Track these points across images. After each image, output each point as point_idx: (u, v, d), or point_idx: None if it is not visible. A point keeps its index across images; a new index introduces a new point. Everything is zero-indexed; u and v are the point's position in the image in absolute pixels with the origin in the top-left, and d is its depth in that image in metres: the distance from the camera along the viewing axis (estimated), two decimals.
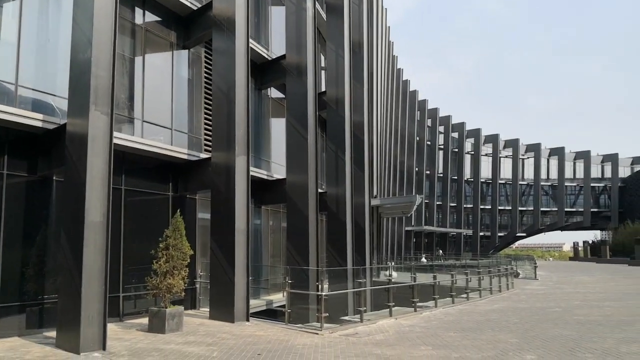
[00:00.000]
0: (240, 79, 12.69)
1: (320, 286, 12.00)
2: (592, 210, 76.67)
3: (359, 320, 12.14)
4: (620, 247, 58.94)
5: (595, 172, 77.93)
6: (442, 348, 8.80)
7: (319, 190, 16.88)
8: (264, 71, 18.04)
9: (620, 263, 48.00)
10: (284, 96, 18.08)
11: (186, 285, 10.75)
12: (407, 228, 55.80)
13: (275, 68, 17.83)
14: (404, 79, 57.53)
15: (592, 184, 77.05)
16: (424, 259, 47.76)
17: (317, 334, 10.48)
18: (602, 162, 78.53)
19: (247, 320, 11.85)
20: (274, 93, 19.31)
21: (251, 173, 13.69)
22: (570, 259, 72.83)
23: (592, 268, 41.46)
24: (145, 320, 10.60)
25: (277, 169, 18.18)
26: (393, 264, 31.35)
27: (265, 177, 16.74)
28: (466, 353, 8.34)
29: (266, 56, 17.72)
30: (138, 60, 13.17)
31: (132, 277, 11.95)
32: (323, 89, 21.11)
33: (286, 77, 16.84)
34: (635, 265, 44.23)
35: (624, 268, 40.68)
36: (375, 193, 27.44)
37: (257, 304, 15.08)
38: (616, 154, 77.68)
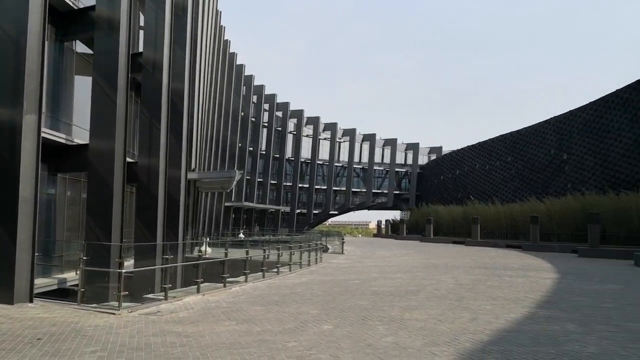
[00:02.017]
0: (34, 25, 10.90)
1: (122, 263, 11.06)
2: (395, 192, 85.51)
3: (164, 297, 11.53)
4: (415, 225, 66.53)
5: (399, 159, 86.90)
6: (245, 322, 8.75)
7: (129, 160, 15.62)
8: (68, 21, 15.93)
9: (414, 240, 54.21)
10: (92, 52, 16.21)
11: None
12: (226, 204, 55.61)
13: (82, 19, 15.87)
14: (231, 51, 56.62)
15: (396, 169, 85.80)
16: (241, 235, 48.16)
17: (113, 314, 9.65)
18: (406, 149, 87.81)
19: (31, 301, 10.42)
20: (80, 47, 17.21)
21: (45, 135, 12.01)
22: (374, 235, 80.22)
23: (391, 244, 46.06)
24: None
25: (80, 133, 16.31)
26: (208, 239, 30.90)
27: (63, 141, 14.88)
28: (268, 326, 8.40)
29: (72, 4, 15.65)
30: None
31: None
32: (140, 49, 19.51)
33: (95, 31, 15.08)
34: (426, 241, 50.41)
35: (417, 244, 46.04)
36: (193, 166, 26.54)
37: (46, 282, 13.45)
38: (417, 144, 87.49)
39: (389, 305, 10.57)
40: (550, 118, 50.82)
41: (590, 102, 44.81)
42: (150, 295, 13.08)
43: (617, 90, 41.48)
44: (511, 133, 57.66)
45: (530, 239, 37.06)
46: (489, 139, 62.66)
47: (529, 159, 53.48)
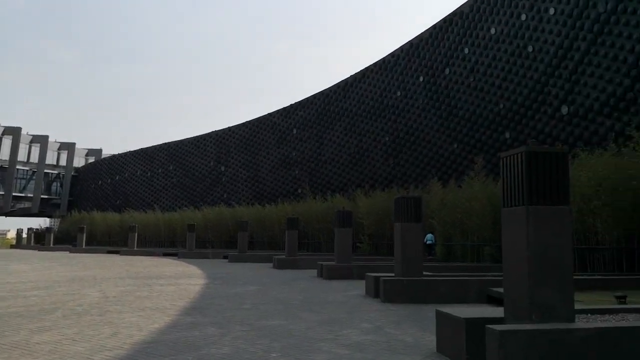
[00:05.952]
0: None
1: None
2: (42, 196, 75.93)
3: None
4: (66, 234, 60.59)
5: (51, 159, 77.69)
6: None
7: None
8: None
9: (63, 250, 49.13)
10: None
11: None
12: None
13: None
14: None
15: (46, 170, 76.38)
16: None
17: None
18: (59, 149, 79.30)
19: None
20: None
21: None
22: (13, 246, 69.20)
23: (33, 256, 40.51)
24: None
25: None
26: None
27: None
28: None
29: None
30: None
31: None
32: None
33: None
34: (77, 252, 46.22)
35: (66, 255, 41.74)
36: None
37: None
38: (74, 144, 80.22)
39: (14, 329, 8.81)
40: (212, 132, 54.11)
41: (247, 121, 49.75)
42: None
43: (268, 113, 47.28)
44: (174, 142, 58.86)
45: (187, 247, 38.21)
46: (152, 146, 62.48)
47: (189, 168, 55.56)
